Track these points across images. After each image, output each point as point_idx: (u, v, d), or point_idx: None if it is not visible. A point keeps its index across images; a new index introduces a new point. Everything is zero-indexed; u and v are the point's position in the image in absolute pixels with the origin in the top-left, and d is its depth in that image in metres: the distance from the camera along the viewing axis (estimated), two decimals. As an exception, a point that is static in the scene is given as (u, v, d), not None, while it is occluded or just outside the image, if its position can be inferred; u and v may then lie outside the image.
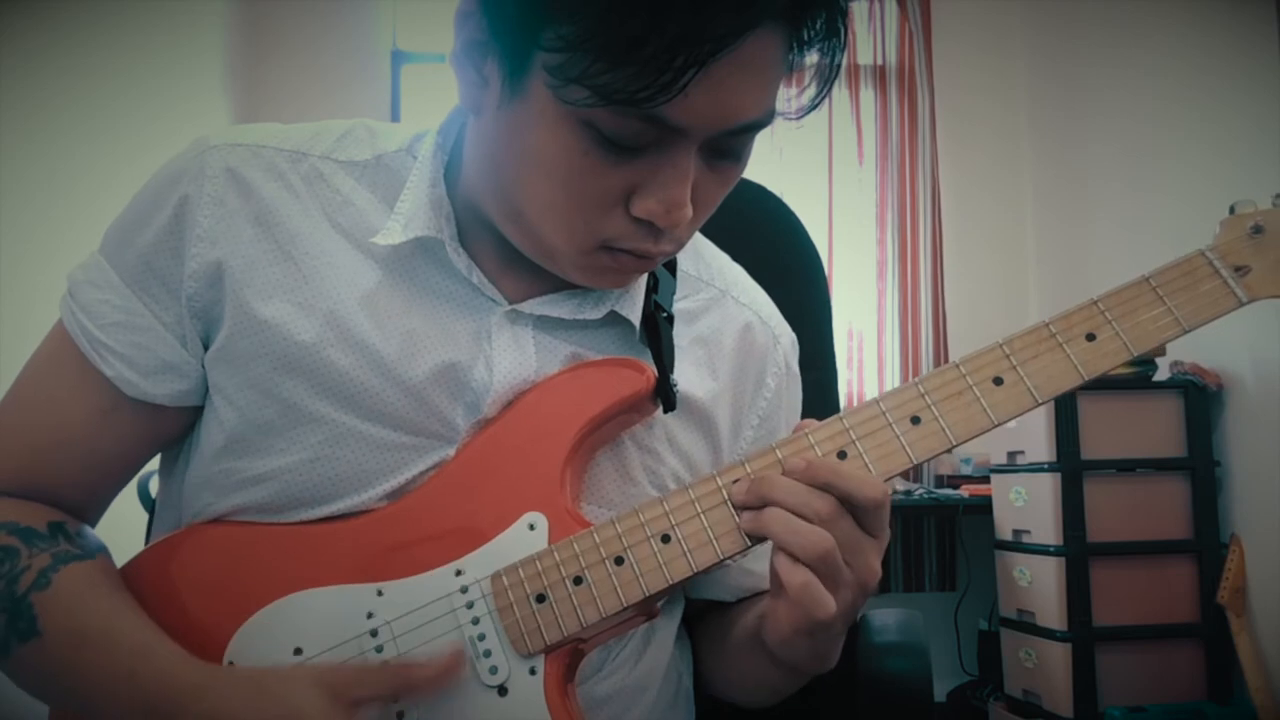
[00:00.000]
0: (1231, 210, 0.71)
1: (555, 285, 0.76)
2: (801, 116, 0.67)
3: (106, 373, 0.72)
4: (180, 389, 0.74)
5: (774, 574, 0.64)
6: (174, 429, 0.77)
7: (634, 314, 0.77)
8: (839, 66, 0.65)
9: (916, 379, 0.69)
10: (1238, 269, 0.70)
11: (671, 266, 0.82)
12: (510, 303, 0.74)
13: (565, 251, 0.68)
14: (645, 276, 0.78)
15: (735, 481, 0.67)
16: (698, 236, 0.88)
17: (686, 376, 0.78)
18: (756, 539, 0.66)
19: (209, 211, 0.72)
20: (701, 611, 0.89)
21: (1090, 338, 0.68)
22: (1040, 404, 0.68)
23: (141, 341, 0.72)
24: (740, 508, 0.66)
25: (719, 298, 0.84)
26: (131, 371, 0.72)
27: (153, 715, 0.63)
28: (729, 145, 0.65)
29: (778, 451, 0.68)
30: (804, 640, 0.65)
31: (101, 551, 0.73)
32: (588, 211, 0.65)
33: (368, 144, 0.77)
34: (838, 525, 0.63)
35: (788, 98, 0.66)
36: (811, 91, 0.66)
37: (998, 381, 0.68)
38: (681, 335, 0.80)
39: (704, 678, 0.89)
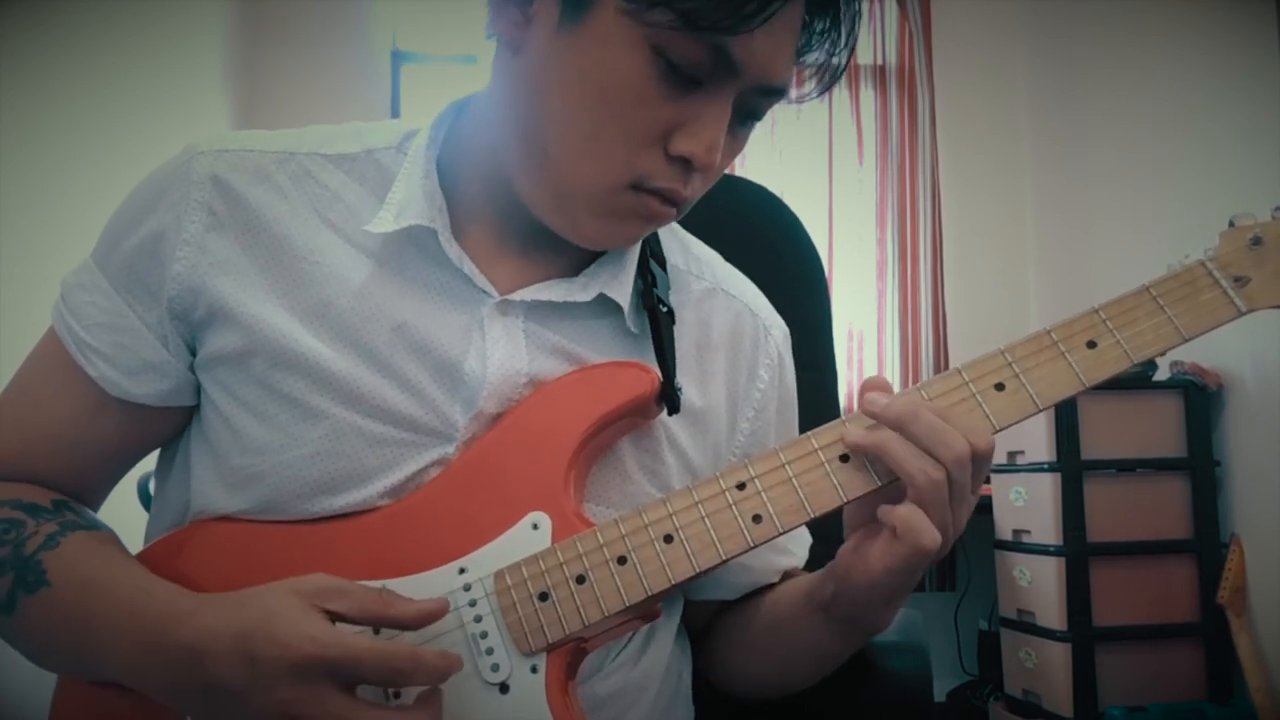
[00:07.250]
0: (1231, 223, 0.73)
1: (544, 274, 0.76)
2: (822, 92, 0.73)
3: (90, 372, 0.73)
4: (162, 389, 0.74)
5: (882, 513, 0.66)
6: (163, 429, 0.78)
7: (623, 297, 0.77)
8: (854, 36, 0.70)
9: (918, 385, 0.69)
10: (1237, 279, 0.71)
11: (662, 262, 0.82)
12: (501, 294, 0.74)
13: (591, 191, 0.69)
14: (634, 265, 0.78)
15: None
16: (684, 233, 0.89)
17: (680, 373, 0.79)
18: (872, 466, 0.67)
19: (196, 218, 0.73)
20: (710, 615, 0.89)
21: (1091, 345, 0.69)
22: (1041, 410, 0.69)
23: (124, 342, 0.73)
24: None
25: (710, 291, 0.85)
26: (114, 371, 0.73)
27: (151, 647, 0.64)
28: (755, 105, 0.69)
29: (780, 454, 0.68)
30: (898, 577, 0.67)
31: (106, 528, 0.75)
32: (630, 144, 0.67)
33: (356, 140, 0.78)
34: (965, 470, 0.65)
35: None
36: (826, 60, 0.70)
37: (999, 387, 0.69)
38: (674, 330, 0.80)
39: (731, 678, 0.88)
